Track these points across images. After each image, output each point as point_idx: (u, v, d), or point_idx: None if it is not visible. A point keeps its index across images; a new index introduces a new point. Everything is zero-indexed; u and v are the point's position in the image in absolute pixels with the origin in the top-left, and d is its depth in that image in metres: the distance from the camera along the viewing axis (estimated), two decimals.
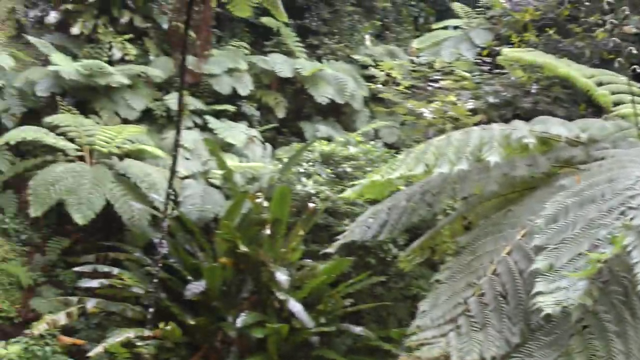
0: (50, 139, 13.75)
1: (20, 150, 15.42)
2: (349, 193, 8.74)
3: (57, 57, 15.92)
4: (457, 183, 6.64)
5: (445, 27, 22.05)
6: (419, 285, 12.68)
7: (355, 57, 21.70)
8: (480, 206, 7.17)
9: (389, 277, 12.40)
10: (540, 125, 6.90)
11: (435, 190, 6.83)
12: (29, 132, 13.51)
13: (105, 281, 11.51)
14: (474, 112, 14.90)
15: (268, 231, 11.70)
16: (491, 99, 15.45)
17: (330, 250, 7.64)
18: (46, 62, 16.43)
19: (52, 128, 14.23)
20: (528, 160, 6.41)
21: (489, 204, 7.05)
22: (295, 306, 10.47)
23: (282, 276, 10.57)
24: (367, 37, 22.56)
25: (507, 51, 13.65)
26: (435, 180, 6.89)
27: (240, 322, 10.67)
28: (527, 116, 9.26)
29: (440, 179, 6.81)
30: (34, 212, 12.31)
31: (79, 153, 14.14)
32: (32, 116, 15.82)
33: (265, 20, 20.62)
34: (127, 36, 17.76)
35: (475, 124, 9.76)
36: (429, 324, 5.30)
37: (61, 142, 13.83)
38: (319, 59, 20.72)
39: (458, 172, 6.49)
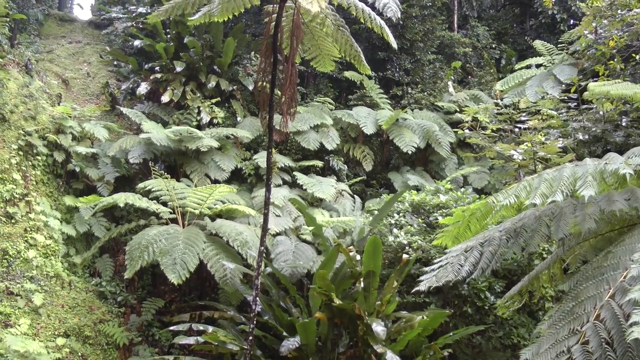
0: (144, 203, 14.15)
1: (115, 216, 16.06)
2: (442, 239, 8.57)
3: (148, 125, 16.57)
4: (551, 222, 6.41)
5: (527, 67, 21.68)
6: (519, 333, 12.24)
7: (440, 104, 21.65)
8: (578, 247, 6.88)
9: (487, 326, 12.03)
10: (636, 157, 6.60)
11: (529, 229, 6.61)
12: (123, 198, 13.93)
13: (200, 339, 11.57)
14: (563, 150, 14.51)
15: (362, 284, 11.60)
16: (580, 136, 15.01)
17: (420, 288, 7.37)
18: (138, 130, 17.12)
19: (145, 193, 14.70)
20: (625, 194, 6.11)
21: (587, 244, 6.76)
22: (393, 358, 10.25)
23: (378, 327, 10.38)
24: (449, 83, 22.50)
25: (593, 86, 13.26)
26: (529, 219, 6.67)
27: None
28: (618, 151, 8.93)
29: (533, 218, 6.59)
30: (128, 274, 12.58)
31: (172, 216, 14.50)
32: (125, 183, 16.49)
33: (348, 74, 20.91)
34: (214, 100, 18.35)
35: None
36: None
37: (154, 206, 14.22)
38: (403, 108, 20.77)
39: (553, 210, 6.29)
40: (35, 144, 15.12)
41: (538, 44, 22.39)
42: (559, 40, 21.59)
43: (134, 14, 22.06)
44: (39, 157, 15.18)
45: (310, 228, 14.08)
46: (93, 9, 29.36)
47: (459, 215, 7.30)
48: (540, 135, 14.12)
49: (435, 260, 7.59)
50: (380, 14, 11.36)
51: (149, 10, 20.82)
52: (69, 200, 15.43)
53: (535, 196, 5.94)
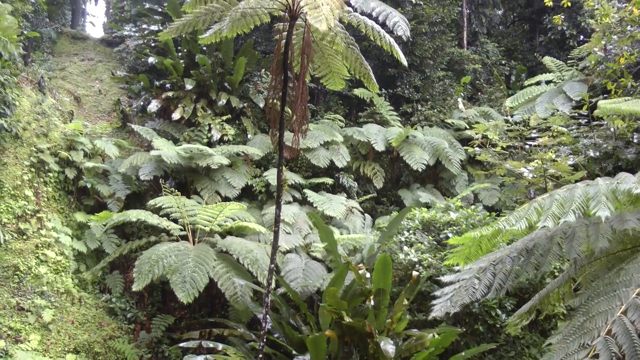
0: (155, 219, 14.18)
1: (126, 232, 16.11)
2: (453, 259, 8.52)
3: (159, 142, 16.68)
4: (564, 242, 6.39)
5: (537, 83, 21.66)
6: (531, 353, 12.12)
7: (450, 121, 21.65)
8: (589, 267, 6.84)
9: (499, 345, 11.93)
10: None
11: (542, 250, 6.57)
12: (134, 214, 13.97)
13: (210, 357, 11.52)
14: (574, 167, 14.45)
15: (372, 302, 11.55)
16: (591, 153, 14.94)
17: (435, 314, 7.32)
18: (149, 147, 17.17)
19: (156, 210, 14.75)
20: (638, 213, 6.09)
21: (598, 263, 6.72)
22: None
23: (387, 346, 10.32)
24: (459, 100, 22.50)
25: (604, 102, 13.21)
26: (541, 240, 6.65)
27: None
28: (630, 168, 8.86)
29: (546, 238, 6.57)
30: (136, 286, 12.56)
31: (182, 233, 14.52)
32: (136, 199, 16.55)
33: (358, 91, 20.96)
34: (225, 117, 18.43)
35: (577, 181, 9.43)
36: None
37: (165, 223, 14.26)
38: (413, 126, 20.78)
39: (565, 230, 6.26)
40: (47, 161, 15.21)
41: (548, 60, 22.39)
42: (569, 57, 21.59)
43: (145, 32, 22.24)
44: (50, 174, 15.27)
45: (322, 245, 14.04)
46: (105, 27, 29.66)
47: (469, 237, 7.27)
48: (551, 152, 14.08)
49: (445, 279, 7.54)
50: (390, 32, 11.41)
51: (161, 28, 20.99)
52: (80, 217, 15.50)
53: (547, 218, 5.91)
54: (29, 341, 12.60)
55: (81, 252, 15.09)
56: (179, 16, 12.74)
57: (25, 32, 17.59)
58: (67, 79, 22.08)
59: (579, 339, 5.19)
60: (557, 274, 11.79)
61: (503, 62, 27.53)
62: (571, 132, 15.98)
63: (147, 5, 24.02)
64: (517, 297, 12.35)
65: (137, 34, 22.87)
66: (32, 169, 14.94)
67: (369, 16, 11.30)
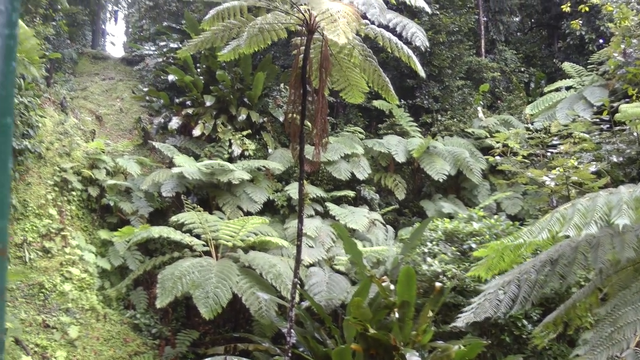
0: (177, 235, 14.25)
1: (149, 249, 16.19)
2: (476, 271, 8.46)
3: (180, 159, 16.76)
4: (589, 252, 6.32)
5: (557, 89, 21.45)
6: None
7: (470, 130, 21.54)
8: (615, 276, 6.75)
9: (525, 356, 11.81)
10: None
11: (567, 260, 6.51)
12: (157, 231, 14.05)
13: None
14: (597, 174, 14.30)
15: (396, 314, 11.49)
16: (614, 158, 14.74)
17: (457, 324, 7.25)
18: (170, 164, 17.30)
19: (178, 226, 14.80)
20: None
21: (625, 273, 6.63)
22: None
23: (413, 358, 10.24)
24: (479, 109, 22.39)
25: (625, 107, 13.08)
26: (566, 250, 6.58)
27: None
28: None
29: (570, 249, 6.51)
30: (160, 303, 12.60)
31: (205, 248, 14.56)
32: (158, 216, 16.65)
33: (377, 103, 20.91)
34: (245, 132, 18.49)
35: (601, 188, 9.32)
36: None
37: (187, 239, 14.31)
38: (433, 136, 20.72)
39: (589, 240, 6.20)
40: (70, 180, 15.37)
41: (567, 65, 22.20)
42: (588, 61, 21.36)
43: (164, 50, 22.42)
44: (74, 193, 15.42)
45: (346, 257, 14.01)
46: (125, 46, 30.00)
47: (493, 249, 7.22)
48: (573, 159, 13.95)
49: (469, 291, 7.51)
50: (407, 43, 11.39)
51: (180, 46, 21.14)
52: (103, 234, 15.63)
53: (569, 228, 5.85)
54: (55, 358, 12.69)
55: (105, 269, 15.19)
56: (198, 33, 12.85)
57: (47, 53, 17.80)
58: (89, 99, 22.32)
59: (607, 351, 5.12)
60: (583, 283, 11.66)
61: (522, 69, 27.37)
62: (593, 138, 15.81)
63: (166, 24, 24.27)
64: (544, 307, 12.23)
65: (156, 52, 23.07)
66: (56, 188, 15.10)
67: (386, 28, 11.30)
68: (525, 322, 11.93)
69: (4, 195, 0.96)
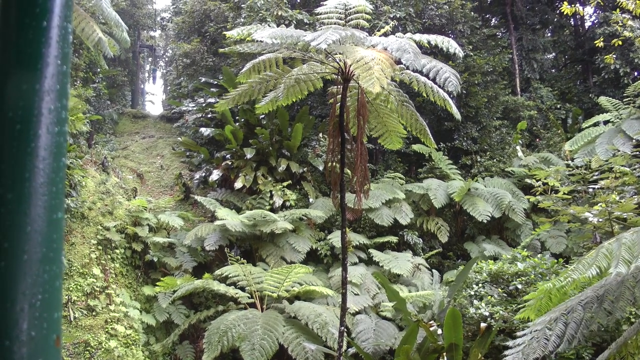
0: (222, 288, 14.30)
1: (194, 303, 16.24)
2: (525, 313, 8.33)
3: (222, 212, 16.85)
4: (635, 286, 6.20)
5: (595, 124, 21.30)
6: None
7: (510, 169, 21.41)
8: None
9: None
10: None
11: (613, 296, 6.39)
12: (200, 282, 14.11)
13: None
14: None
15: (445, 358, 11.33)
16: None
17: None
18: (213, 218, 17.43)
19: (222, 279, 14.87)
20: None
21: None
22: None
23: None
24: (518, 148, 22.28)
25: None
26: (612, 285, 6.46)
27: None
28: None
29: (616, 284, 6.39)
30: (206, 357, 12.61)
31: (250, 300, 14.56)
32: (202, 270, 16.72)
33: (416, 147, 20.94)
34: (285, 183, 18.61)
35: None
36: None
37: (232, 291, 14.34)
38: (473, 177, 20.63)
39: (635, 274, 6.10)
40: (114, 238, 15.59)
41: (603, 100, 22.04)
42: (624, 94, 21.20)
43: (203, 105, 22.84)
44: (117, 251, 15.63)
45: (391, 304, 13.90)
46: (164, 104, 30.66)
47: (542, 290, 7.13)
48: (614, 194, 13.74)
49: (518, 333, 7.36)
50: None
51: (217, 100, 21.52)
52: (147, 290, 15.75)
53: (618, 263, 5.76)
54: None
55: (150, 325, 15.26)
56: (235, 87, 13.09)
57: (88, 115, 18.30)
58: (130, 157, 22.78)
59: None
60: (633, 320, 11.37)
61: (558, 106, 27.20)
62: (634, 171, 15.60)
63: (203, 80, 24.73)
64: (595, 347, 11.93)
65: (195, 108, 23.49)
66: (99, 247, 15.32)
67: (421, 72, 11.36)
68: None
69: (58, 287, 1.00)
